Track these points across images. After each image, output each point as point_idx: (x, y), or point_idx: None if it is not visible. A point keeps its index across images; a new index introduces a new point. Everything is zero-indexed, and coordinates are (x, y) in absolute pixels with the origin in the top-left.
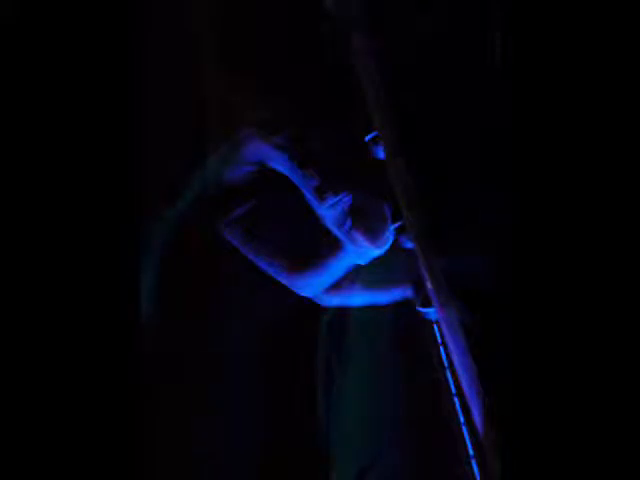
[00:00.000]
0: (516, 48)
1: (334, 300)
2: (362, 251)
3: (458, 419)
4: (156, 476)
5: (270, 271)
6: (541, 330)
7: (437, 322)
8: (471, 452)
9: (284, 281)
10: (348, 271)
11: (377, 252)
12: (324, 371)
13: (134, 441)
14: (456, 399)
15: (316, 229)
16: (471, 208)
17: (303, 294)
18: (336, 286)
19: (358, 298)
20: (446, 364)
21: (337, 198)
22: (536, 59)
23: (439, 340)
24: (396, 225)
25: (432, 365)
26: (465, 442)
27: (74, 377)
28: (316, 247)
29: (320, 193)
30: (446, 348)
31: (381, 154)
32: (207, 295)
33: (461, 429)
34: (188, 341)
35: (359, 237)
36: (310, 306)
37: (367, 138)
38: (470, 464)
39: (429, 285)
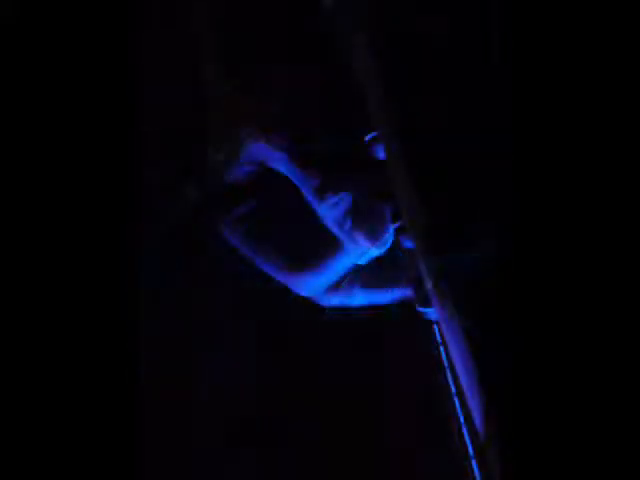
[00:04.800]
0: (516, 48)
1: (334, 300)
2: (362, 251)
3: (458, 419)
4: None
5: (270, 271)
6: (542, 330)
7: (437, 322)
8: (471, 452)
9: (284, 281)
10: (348, 271)
11: (377, 252)
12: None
13: (135, 440)
14: (456, 399)
15: (316, 229)
16: (471, 208)
17: (302, 294)
18: (336, 286)
19: (358, 298)
20: (446, 364)
21: (337, 198)
22: (536, 58)
23: (439, 340)
24: (396, 225)
25: (432, 365)
26: (465, 442)
27: (73, 376)
28: (316, 247)
29: (320, 193)
30: (446, 348)
31: (381, 154)
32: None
33: (461, 429)
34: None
35: (359, 237)
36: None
37: (367, 138)
38: (470, 464)
39: (429, 285)
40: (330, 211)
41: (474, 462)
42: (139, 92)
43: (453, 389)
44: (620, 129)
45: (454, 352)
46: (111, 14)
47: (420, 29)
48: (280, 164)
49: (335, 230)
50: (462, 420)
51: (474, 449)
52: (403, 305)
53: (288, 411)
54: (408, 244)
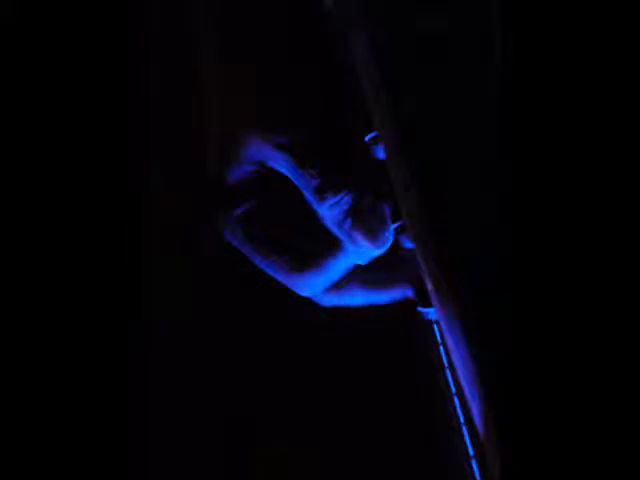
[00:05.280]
0: (516, 48)
1: (334, 300)
2: (362, 251)
3: (458, 419)
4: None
5: (270, 271)
6: (542, 329)
7: (437, 322)
8: (471, 452)
9: (284, 281)
10: (348, 271)
11: (377, 252)
12: None
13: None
14: (456, 399)
15: (316, 229)
16: (471, 208)
17: (303, 294)
18: (336, 286)
19: (358, 298)
20: (446, 364)
21: (337, 198)
22: (536, 59)
23: (439, 340)
24: (396, 225)
25: (432, 365)
26: (465, 442)
27: (73, 377)
28: (316, 247)
29: (320, 193)
30: (446, 348)
31: (381, 154)
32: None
33: (461, 429)
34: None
35: (359, 237)
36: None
37: (367, 138)
38: (470, 464)
39: (429, 285)
40: (330, 211)
41: (474, 462)
42: (139, 92)
43: (453, 389)
44: (623, 130)
45: (454, 352)
46: (111, 14)
47: (420, 28)
48: (280, 164)
49: (335, 230)
50: (462, 420)
51: (474, 449)
52: (403, 305)
53: (287, 411)
54: (408, 244)
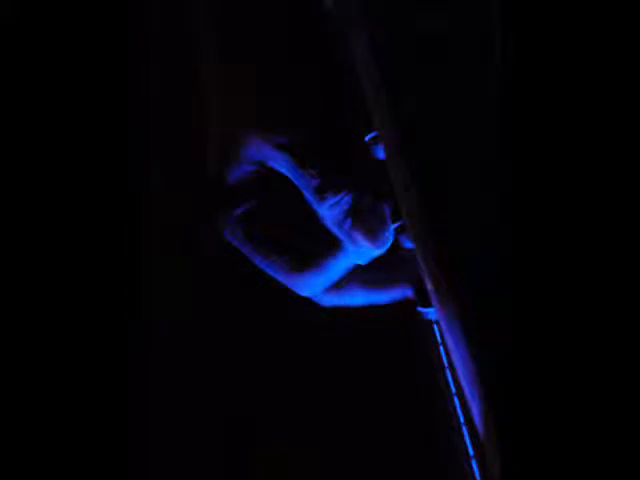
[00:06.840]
0: (516, 48)
1: (334, 300)
2: (362, 251)
3: (458, 419)
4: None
5: (269, 271)
6: (541, 329)
7: (437, 322)
8: (471, 452)
9: (284, 281)
10: (348, 271)
11: (377, 252)
12: None
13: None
14: (456, 399)
15: (316, 229)
16: (471, 208)
17: (303, 294)
18: (336, 286)
19: (358, 298)
20: (446, 364)
21: (337, 198)
22: (536, 59)
23: (439, 340)
24: (396, 225)
25: (432, 365)
26: (465, 442)
27: (72, 377)
28: (316, 247)
29: (320, 193)
30: (446, 348)
31: (381, 154)
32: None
33: (461, 429)
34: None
35: (359, 237)
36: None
37: (367, 138)
38: (470, 464)
39: (429, 285)
40: (330, 211)
41: (474, 462)
42: (139, 92)
43: (453, 389)
44: (623, 130)
45: (454, 352)
46: (111, 14)
47: (420, 28)
48: (280, 164)
49: (335, 230)
50: (462, 420)
51: (474, 449)
52: (403, 305)
53: (287, 411)
54: (408, 244)
